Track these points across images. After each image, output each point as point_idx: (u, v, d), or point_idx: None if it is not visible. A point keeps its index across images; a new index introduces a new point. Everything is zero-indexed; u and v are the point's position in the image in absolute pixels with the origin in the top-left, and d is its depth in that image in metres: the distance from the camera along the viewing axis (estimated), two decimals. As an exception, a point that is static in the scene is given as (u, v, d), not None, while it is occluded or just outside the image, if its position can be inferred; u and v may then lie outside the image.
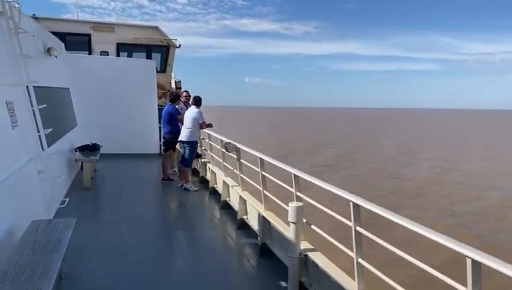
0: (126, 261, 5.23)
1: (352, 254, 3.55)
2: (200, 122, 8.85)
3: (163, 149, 10.17)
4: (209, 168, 9.48)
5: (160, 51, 15.96)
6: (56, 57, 9.12)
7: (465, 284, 2.34)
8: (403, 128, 68.22)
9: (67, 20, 15.45)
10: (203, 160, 10.31)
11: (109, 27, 15.41)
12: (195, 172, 10.76)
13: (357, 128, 63.96)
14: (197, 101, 9.08)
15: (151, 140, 13.51)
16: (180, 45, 16.10)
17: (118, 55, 15.31)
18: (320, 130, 55.36)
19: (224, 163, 8.19)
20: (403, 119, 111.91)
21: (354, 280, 3.58)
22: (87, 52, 14.73)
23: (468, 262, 2.28)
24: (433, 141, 45.01)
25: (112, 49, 15.23)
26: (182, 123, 9.19)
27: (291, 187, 4.76)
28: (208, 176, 9.52)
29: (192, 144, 9.01)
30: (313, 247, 4.53)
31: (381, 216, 3.13)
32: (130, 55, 15.96)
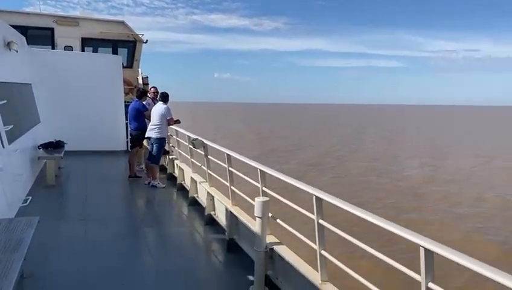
0: (91, 259, 5.16)
1: (315, 246, 3.65)
2: (168, 118, 8.79)
3: (130, 146, 10.04)
4: (176, 165, 9.43)
5: (127, 46, 15.68)
6: (16, 51, 8.83)
7: (419, 272, 2.46)
8: (377, 124, 69.25)
9: (28, 14, 14.94)
10: (170, 157, 10.24)
11: (73, 21, 15.01)
12: (163, 169, 10.67)
13: (332, 125, 64.25)
14: (164, 97, 9.01)
15: (118, 137, 13.29)
16: (147, 40, 15.88)
17: (83, 50, 14.95)
18: (295, 127, 55.32)
19: (192, 159, 8.18)
20: (373, 115, 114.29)
21: (318, 271, 3.68)
22: (50, 47, 14.32)
23: (421, 251, 2.40)
24: (411, 136, 45.75)
25: (77, 44, 14.85)
26: (149, 119, 9.11)
27: (258, 182, 4.83)
28: (176, 173, 9.47)
29: (159, 141, 8.93)
30: (278, 241, 4.62)
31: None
32: (95, 50, 15.61)
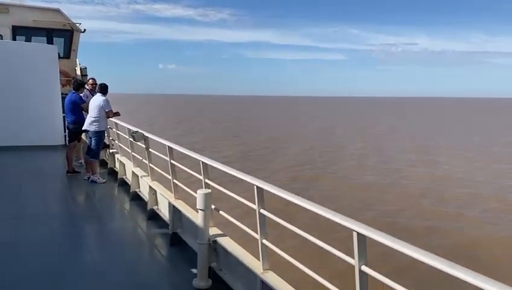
0: (26, 258, 4.88)
1: (257, 236, 3.68)
2: (107, 110, 8.47)
3: (68, 140, 9.61)
4: (117, 159, 9.14)
5: (63, 35, 14.88)
6: None
7: (352, 256, 2.55)
8: (336, 116, 70.56)
9: None
10: (111, 150, 9.90)
11: (3, 8, 13.99)
12: (104, 163, 10.30)
13: (295, 117, 63.97)
14: (103, 89, 8.67)
15: (55, 131, 12.61)
16: (85, 30, 15.15)
17: (14, 39, 14.00)
18: (258, 121, 54.31)
19: (133, 153, 7.95)
20: (322, 107, 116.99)
21: (260, 260, 3.72)
22: None
23: (354, 235, 2.48)
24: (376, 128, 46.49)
25: (7, 33, 13.88)
26: (87, 112, 8.73)
27: (200, 175, 4.79)
28: (117, 167, 9.18)
29: (98, 134, 8.59)
30: (221, 232, 4.62)
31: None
32: (28, 40, 14.66)
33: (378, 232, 2.38)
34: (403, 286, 2.22)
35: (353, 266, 2.54)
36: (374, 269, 2.47)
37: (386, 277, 2.36)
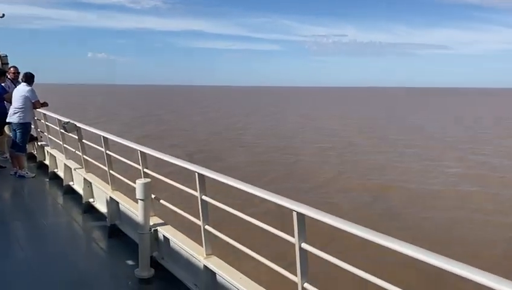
0: None
1: (200, 222, 3.72)
2: (33, 101, 7.99)
3: (-11, 134, 8.92)
4: (47, 152, 8.67)
5: None
6: None
7: (293, 235, 2.68)
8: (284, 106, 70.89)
9: None
10: (39, 143, 9.35)
11: None
12: (32, 157, 9.71)
13: (246, 108, 63.18)
14: (28, 78, 8.15)
15: None
16: (3, 15, 14.02)
17: None
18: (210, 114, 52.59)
19: (65, 145, 7.59)
20: (261, 96, 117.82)
21: (202, 246, 3.77)
22: None
23: (294, 215, 2.61)
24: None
25: None
26: (10, 103, 8.17)
27: (138, 164, 4.71)
28: (47, 161, 8.71)
29: (24, 126, 8.08)
30: (163, 221, 4.59)
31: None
32: None
33: (316, 211, 2.52)
34: (341, 260, 2.40)
35: (293, 244, 2.67)
36: (314, 246, 2.61)
37: (325, 252, 2.51)
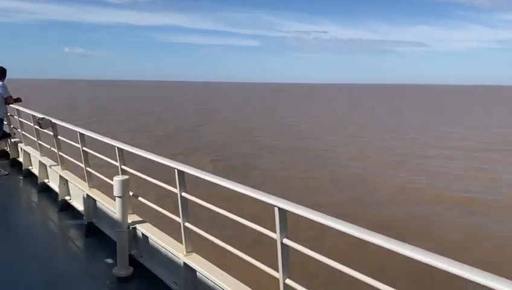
0: None
1: (179, 219, 3.66)
2: (5, 96, 7.76)
3: (-40, 130, 8.60)
4: (21, 149, 8.43)
5: None
6: None
7: (274, 230, 2.65)
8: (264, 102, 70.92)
9: None
10: (13, 140, 9.07)
11: None
12: (5, 154, 9.42)
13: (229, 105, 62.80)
14: (0, 73, 7.91)
15: None
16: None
17: None
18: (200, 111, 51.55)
19: (40, 141, 7.38)
20: (240, 92, 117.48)
21: (182, 243, 3.71)
22: None
23: (276, 210, 2.58)
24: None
25: None
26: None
27: (116, 161, 4.60)
28: (21, 158, 8.47)
29: (-5, 122, 7.84)
30: (141, 219, 4.51)
31: None
32: None
33: (298, 206, 2.50)
34: (322, 255, 2.38)
35: (275, 240, 2.64)
36: (295, 241, 2.59)
37: (306, 247, 2.49)
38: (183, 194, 3.60)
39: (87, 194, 5.41)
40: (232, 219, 3.12)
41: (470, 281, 1.63)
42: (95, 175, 5.46)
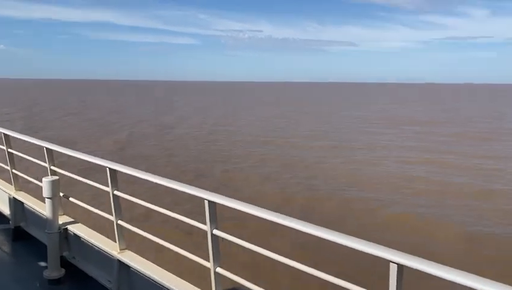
0: None
1: (112, 218, 3.69)
2: None
3: None
4: None
5: None
6: None
7: (204, 222, 2.81)
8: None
9: None
10: None
11: None
12: None
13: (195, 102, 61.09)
14: None
15: None
16: None
17: None
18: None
19: None
20: (184, 91, 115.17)
21: (116, 241, 3.74)
22: None
23: (206, 203, 2.74)
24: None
25: None
26: None
27: (45, 162, 4.50)
28: None
29: None
30: (72, 219, 4.45)
31: None
32: None
33: (226, 198, 2.69)
34: (251, 243, 2.59)
35: (206, 231, 2.81)
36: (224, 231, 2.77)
37: (235, 236, 2.69)
38: (115, 192, 3.63)
39: (13, 197, 5.20)
40: (165, 215, 3.23)
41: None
42: (22, 177, 5.27)
